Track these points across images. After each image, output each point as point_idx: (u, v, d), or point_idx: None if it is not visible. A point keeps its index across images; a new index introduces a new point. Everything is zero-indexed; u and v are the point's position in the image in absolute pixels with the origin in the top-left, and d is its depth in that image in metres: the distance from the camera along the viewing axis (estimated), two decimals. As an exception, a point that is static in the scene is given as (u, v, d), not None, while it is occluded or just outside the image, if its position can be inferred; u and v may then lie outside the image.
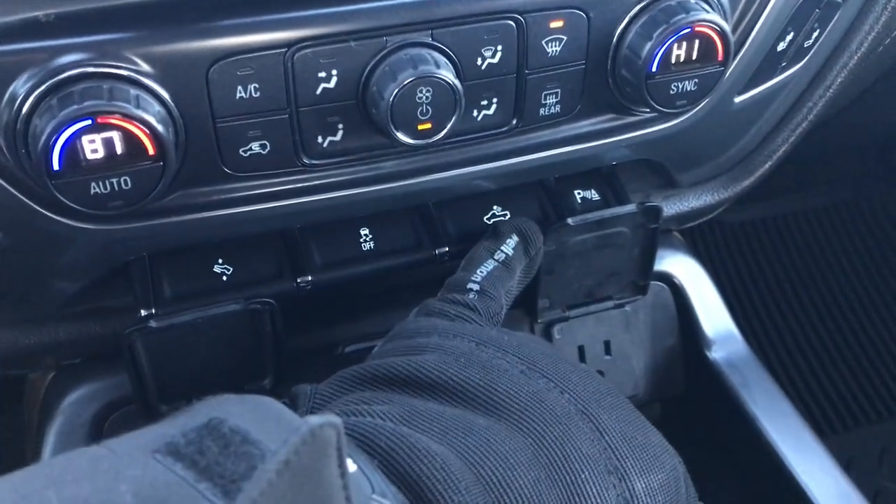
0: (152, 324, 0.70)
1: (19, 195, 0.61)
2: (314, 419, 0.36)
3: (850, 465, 1.68)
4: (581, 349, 0.89)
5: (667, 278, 0.93)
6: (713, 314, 0.93)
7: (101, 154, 0.57)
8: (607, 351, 0.90)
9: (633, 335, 0.91)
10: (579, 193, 0.84)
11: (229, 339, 0.74)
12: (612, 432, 0.59)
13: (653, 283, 0.90)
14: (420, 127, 0.64)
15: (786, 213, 2.15)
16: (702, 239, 2.01)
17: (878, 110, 1.31)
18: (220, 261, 0.75)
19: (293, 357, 0.80)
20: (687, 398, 0.95)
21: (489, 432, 0.55)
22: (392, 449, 0.51)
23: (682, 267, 0.93)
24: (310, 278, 0.75)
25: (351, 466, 0.47)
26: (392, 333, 0.68)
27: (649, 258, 0.86)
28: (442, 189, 0.74)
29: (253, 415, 0.44)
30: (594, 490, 0.55)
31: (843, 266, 2.03)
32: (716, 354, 0.91)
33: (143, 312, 0.71)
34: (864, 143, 1.87)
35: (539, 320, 0.87)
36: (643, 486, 0.58)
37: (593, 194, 0.84)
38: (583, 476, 0.55)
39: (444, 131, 0.65)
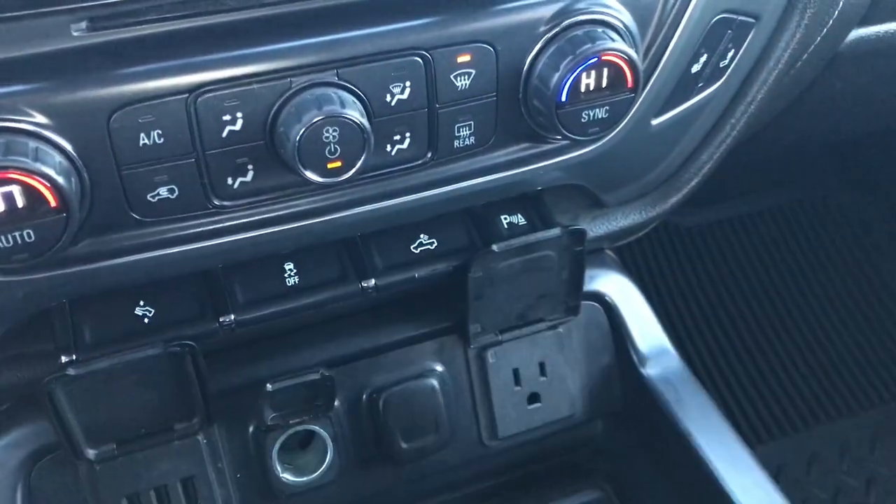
0: (70, 371, 0.69)
1: (-78, 251, 0.61)
2: None
3: (780, 472, 1.69)
4: (516, 372, 0.90)
5: (599, 297, 0.93)
6: (646, 331, 0.94)
7: (0, 208, 0.57)
8: (542, 372, 0.91)
9: (567, 355, 0.91)
10: (505, 219, 0.84)
11: (153, 382, 0.74)
12: None
13: (585, 302, 0.91)
14: (330, 165, 0.64)
15: (740, 214, 2.17)
16: (645, 245, 2.02)
17: (823, 116, 1.33)
18: (142, 303, 0.75)
19: (221, 395, 0.80)
20: (627, 414, 0.96)
21: None
22: None
23: (613, 285, 0.94)
24: (232, 317, 0.75)
25: None
26: None
27: (577, 279, 0.87)
28: (361, 223, 0.74)
29: None
30: None
31: (789, 268, 2.05)
32: (650, 371, 0.92)
33: (63, 359, 0.71)
34: (812, 146, 1.89)
35: (472, 345, 0.87)
36: None
37: (519, 219, 0.85)
38: None
39: (354, 169, 0.65)
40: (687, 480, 0.88)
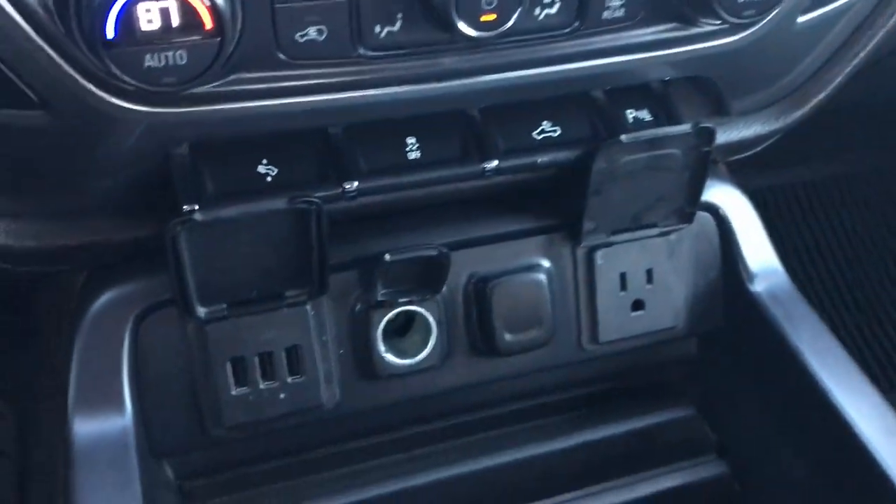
0: (197, 217, 0.68)
1: (68, 68, 0.59)
2: None
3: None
4: (623, 276, 0.87)
5: (712, 209, 0.90)
6: (757, 248, 0.91)
7: (156, 24, 0.55)
8: (649, 279, 0.88)
9: (675, 264, 0.89)
10: (631, 113, 0.81)
11: (273, 240, 0.72)
12: None
13: (698, 213, 0.88)
14: (483, 18, 0.62)
15: (815, 179, 2.12)
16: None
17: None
18: (265, 161, 0.73)
19: (332, 268, 0.78)
20: (725, 335, 0.94)
21: None
22: None
23: (728, 198, 0.91)
24: (356, 184, 0.73)
25: None
26: None
27: (699, 184, 0.84)
28: (496, 91, 0.71)
29: None
30: None
31: (871, 236, 2.00)
32: (758, 287, 0.89)
33: (185, 208, 0.69)
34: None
35: (583, 243, 0.85)
36: None
37: (646, 115, 0.82)
38: None
39: (509, 24, 0.62)
40: (793, 399, 0.86)
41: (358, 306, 0.81)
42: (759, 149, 0.93)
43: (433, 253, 0.77)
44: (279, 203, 0.69)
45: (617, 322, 0.88)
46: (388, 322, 0.83)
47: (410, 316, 0.84)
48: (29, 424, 1.15)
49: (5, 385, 1.18)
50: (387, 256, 0.75)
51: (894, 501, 0.76)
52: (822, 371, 0.83)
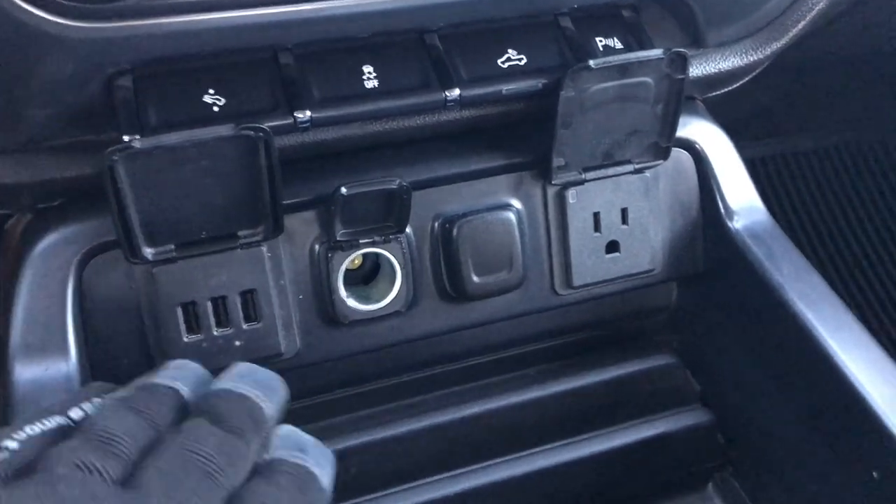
0: (136, 145, 0.64)
1: (-12, -23, 0.55)
2: None
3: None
4: (596, 216, 0.84)
5: (689, 145, 0.87)
6: (737, 185, 0.87)
7: (77, -78, 0.52)
8: (624, 220, 0.85)
9: (651, 203, 0.85)
10: (601, 41, 0.78)
11: (221, 174, 0.68)
12: None
13: (674, 150, 0.84)
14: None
15: (796, 151, 2.09)
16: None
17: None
18: (211, 91, 0.69)
19: (287, 208, 0.74)
20: (706, 279, 0.90)
21: None
22: None
23: (704, 134, 0.87)
24: (308, 114, 0.69)
25: None
26: None
27: (673, 117, 0.80)
28: (454, 6, 0.68)
29: None
30: None
31: (853, 206, 1.97)
32: (738, 225, 0.86)
33: (126, 139, 0.65)
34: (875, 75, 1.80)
35: (553, 181, 0.81)
36: None
37: (616, 42, 0.78)
38: None
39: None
40: (777, 337, 0.82)
41: (317, 248, 0.77)
42: (735, 85, 0.90)
43: (392, 186, 0.73)
44: (224, 130, 0.65)
45: (591, 265, 0.84)
46: (354, 270, 0.79)
47: (376, 264, 0.81)
48: None
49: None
50: (343, 189, 0.71)
51: (890, 447, 0.73)
52: (809, 310, 0.79)
